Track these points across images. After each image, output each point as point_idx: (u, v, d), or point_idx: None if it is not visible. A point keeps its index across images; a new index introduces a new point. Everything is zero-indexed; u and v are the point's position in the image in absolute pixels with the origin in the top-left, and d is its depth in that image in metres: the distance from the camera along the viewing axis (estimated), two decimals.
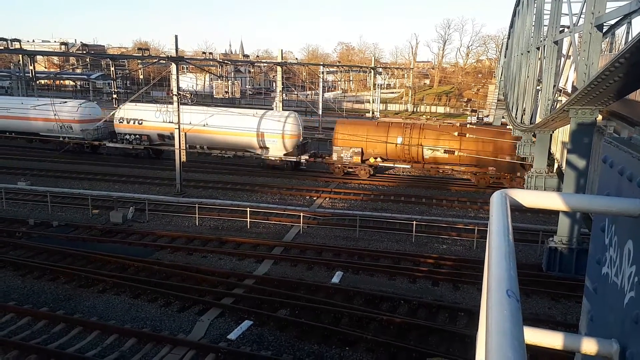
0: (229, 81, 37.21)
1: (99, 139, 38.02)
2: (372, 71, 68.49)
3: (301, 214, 22.86)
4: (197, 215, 23.24)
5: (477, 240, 20.79)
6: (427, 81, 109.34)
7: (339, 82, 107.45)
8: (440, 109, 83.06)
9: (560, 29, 12.79)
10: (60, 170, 32.95)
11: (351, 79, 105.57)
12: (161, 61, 41.58)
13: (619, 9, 6.76)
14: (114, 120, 37.28)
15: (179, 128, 28.36)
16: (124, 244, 20.39)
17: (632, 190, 2.10)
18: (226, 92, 34.72)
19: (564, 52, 13.61)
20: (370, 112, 66.45)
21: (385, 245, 21.03)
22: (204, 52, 56.72)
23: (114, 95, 51.36)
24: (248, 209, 23.08)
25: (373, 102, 67.90)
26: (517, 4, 20.80)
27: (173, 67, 28.15)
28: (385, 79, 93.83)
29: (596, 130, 10.43)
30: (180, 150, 28.17)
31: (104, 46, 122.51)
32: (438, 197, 28.59)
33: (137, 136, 37.09)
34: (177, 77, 28.65)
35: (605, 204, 2.17)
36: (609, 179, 2.47)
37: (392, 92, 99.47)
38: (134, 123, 36.59)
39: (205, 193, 28.55)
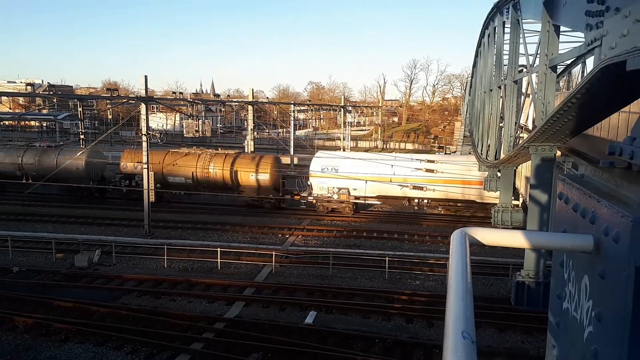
0: (200, 120, 37.25)
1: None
2: (342, 109, 69.77)
3: (273, 253, 22.58)
4: (165, 257, 22.67)
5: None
6: (396, 119, 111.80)
7: (310, 120, 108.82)
8: (409, 146, 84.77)
9: (519, 68, 13.40)
10: (23, 213, 31.85)
11: (322, 117, 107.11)
12: (130, 101, 41.40)
13: (570, 51, 7.17)
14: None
15: (147, 168, 28.01)
16: (89, 289, 19.63)
17: (585, 227, 2.15)
18: (196, 131, 34.73)
19: (524, 90, 14.25)
20: (341, 149, 67.24)
21: (358, 282, 20.89)
22: (174, 92, 56.90)
23: (81, 136, 50.53)
24: (219, 249, 22.67)
25: (344, 139, 68.82)
26: (478, 45, 21.77)
27: (142, 107, 28.03)
28: (355, 117, 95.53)
29: (556, 166, 10.81)
30: (148, 191, 27.71)
31: (71, 86, 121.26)
32: (410, 232, 28.77)
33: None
34: (147, 117, 28.50)
35: (560, 241, 2.22)
36: (565, 215, 2.53)
37: (362, 130, 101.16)
38: None
39: (175, 233, 27.97)
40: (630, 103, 4.37)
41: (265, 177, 33.36)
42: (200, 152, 35.55)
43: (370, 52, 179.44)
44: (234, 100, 76.12)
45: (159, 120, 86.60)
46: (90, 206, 34.08)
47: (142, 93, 28.51)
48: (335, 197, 32.60)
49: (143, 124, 28.60)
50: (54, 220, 30.42)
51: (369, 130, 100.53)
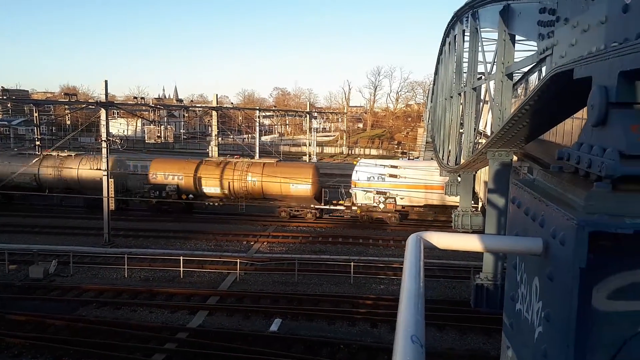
0: (162, 126, 36.53)
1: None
2: (308, 115, 69.93)
3: (238, 261, 22.30)
4: (126, 267, 22.04)
5: None
6: (361, 125, 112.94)
7: (276, 126, 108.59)
8: (374, 152, 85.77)
9: (478, 76, 13.78)
10: None
11: (287, 123, 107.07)
12: (90, 106, 40.25)
13: (524, 59, 7.43)
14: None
15: (107, 175, 27.27)
16: (45, 301, 18.85)
17: (535, 230, 2.21)
18: (158, 136, 34.01)
19: (483, 97, 14.66)
20: (307, 155, 67.33)
21: (324, 288, 20.88)
22: (135, 97, 55.58)
23: (37, 142, 48.74)
24: (181, 258, 22.22)
25: (309, 145, 68.95)
26: (440, 53, 22.28)
27: (103, 112, 27.30)
28: (320, 123, 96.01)
29: (513, 171, 11.19)
30: (108, 199, 26.95)
31: (27, 91, 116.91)
32: (375, 237, 29.01)
33: None
34: (107, 123, 27.76)
35: (511, 244, 2.27)
36: (517, 219, 2.60)
37: (328, 136, 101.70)
38: None
39: (136, 242, 27.26)
40: (578, 110, 4.55)
41: (306, 186, 32.02)
42: (236, 161, 34.23)
43: (335, 59, 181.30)
44: (197, 105, 75.03)
45: (120, 126, 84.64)
46: (48, 215, 32.81)
47: (103, 98, 27.74)
48: (382, 206, 31.71)
49: (103, 130, 27.84)
50: (9, 230, 29.09)
51: (334, 136, 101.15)
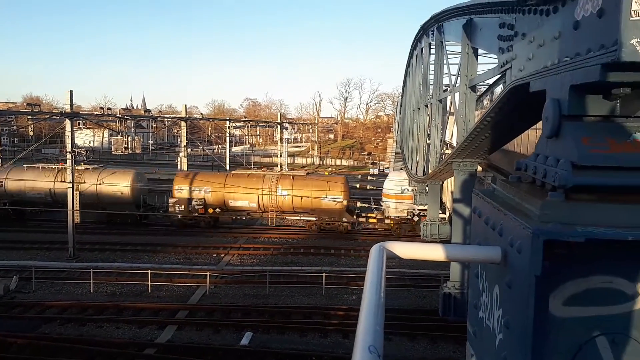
0: (129, 137, 35.88)
1: None
2: (279, 126, 69.89)
3: (208, 274, 21.96)
4: (91, 281, 21.40)
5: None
6: (332, 135, 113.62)
7: (247, 137, 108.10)
8: (345, 162, 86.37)
9: (444, 88, 14.08)
10: None
11: (258, 133, 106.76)
12: (54, 117, 39.21)
13: (486, 72, 7.65)
14: None
15: (72, 187, 26.55)
16: (5, 319, 18.09)
17: (495, 239, 2.27)
18: (125, 147, 33.38)
19: (448, 109, 14.99)
20: (278, 165, 67.23)
21: (296, 300, 20.76)
22: (102, 108, 54.42)
23: None
24: (149, 272, 21.73)
25: (281, 155, 68.86)
26: (407, 65, 22.70)
27: (67, 123, 26.64)
28: (291, 134, 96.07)
29: (477, 181, 11.45)
30: (73, 212, 26.21)
31: None
32: (346, 247, 29.05)
33: None
34: (72, 134, 27.10)
35: (472, 253, 2.32)
36: (479, 228, 2.66)
37: (299, 146, 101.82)
38: None
39: (102, 256, 26.54)
40: (537, 122, 4.71)
41: (338, 199, 31.38)
42: (264, 173, 33.49)
43: (306, 70, 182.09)
44: (166, 116, 74.01)
45: (86, 137, 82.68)
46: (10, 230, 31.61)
47: (67, 109, 27.07)
48: (416, 219, 30.75)
49: (68, 142, 27.16)
50: None
51: (305, 146, 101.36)
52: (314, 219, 32.15)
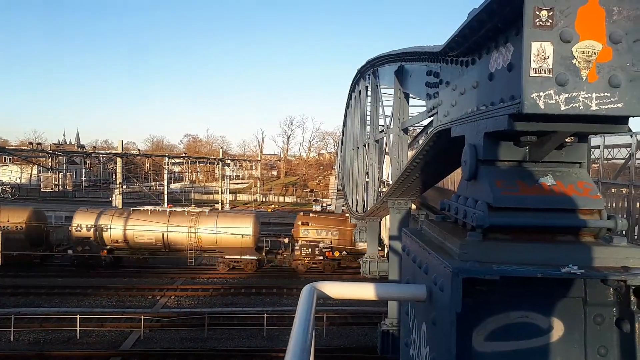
0: (60, 173, 34.15)
1: None
2: (220, 162, 69.10)
3: (142, 317, 20.86)
4: (12, 329, 19.72)
5: (326, 328, 21.07)
6: (275, 172, 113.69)
7: (187, 173, 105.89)
8: (288, 199, 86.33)
9: (380, 129, 14.59)
10: None
11: (199, 170, 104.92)
12: None
13: (416, 116, 8.06)
14: None
15: None
16: None
17: (421, 277, 2.35)
18: (56, 184, 31.67)
19: (385, 149, 15.51)
20: (220, 202, 66.01)
21: (236, 342, 20.10)
22: (31, 143, 51.73)
23: None
24: (78, 316, 20.35)
25: (222, 192, 67.77)
26: (347, 106, 23.40)
27: None
28: (233, 170, 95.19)
29: (412, 219, 11.82)
30: None
31: None
32: (289, 286, 28.65)
33: None
34: None
35: (399, 291, 2.40)
36: (407, 266, 2.75)
37: (241, 183, 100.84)
38: None
39: (26, 301, 24.61)
40: (460, 166, 5.01)
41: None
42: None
43: (248, 108, 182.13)
44: (100, 152, 71.41)
45: (12, 174, 77.86)
46: None
47: None
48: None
49: None
50: None
51: (248, 183, 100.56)
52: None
